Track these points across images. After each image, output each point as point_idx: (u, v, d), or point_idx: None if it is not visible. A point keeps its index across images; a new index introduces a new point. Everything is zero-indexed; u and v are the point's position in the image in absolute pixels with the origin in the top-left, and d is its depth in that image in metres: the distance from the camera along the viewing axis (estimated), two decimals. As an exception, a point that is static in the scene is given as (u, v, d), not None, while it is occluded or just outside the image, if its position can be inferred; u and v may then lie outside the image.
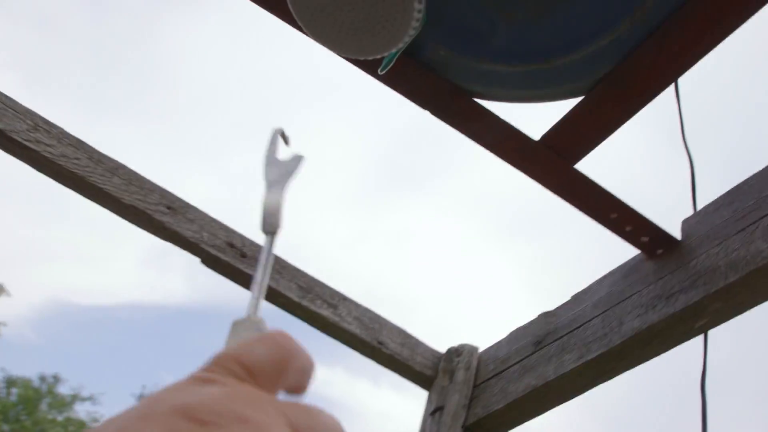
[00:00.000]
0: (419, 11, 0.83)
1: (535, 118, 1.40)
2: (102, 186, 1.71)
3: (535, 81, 1.28)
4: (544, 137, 1.35)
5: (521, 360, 1.70)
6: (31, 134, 1.70)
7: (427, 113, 1.36)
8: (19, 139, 1.68)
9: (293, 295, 1.79)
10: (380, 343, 1.85)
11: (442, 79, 1.31)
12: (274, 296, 1.81)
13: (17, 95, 1.72)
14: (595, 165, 1.46)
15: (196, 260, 1.79)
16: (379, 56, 0.92)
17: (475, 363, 1.86)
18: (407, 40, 0.86)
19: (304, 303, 1.80)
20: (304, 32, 0.93)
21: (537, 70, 1.26)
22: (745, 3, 1.12)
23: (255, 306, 0.44)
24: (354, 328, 1.83)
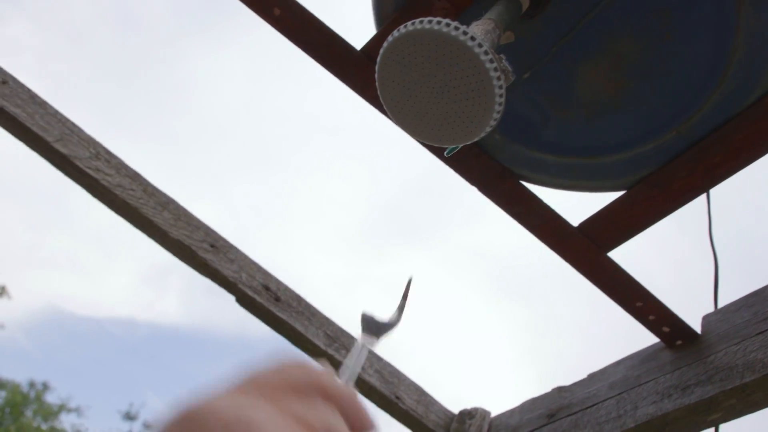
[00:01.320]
0: (498, 112, 0.92)
1: (575, 204, 1.49)
2: (153, 218, 1.79)
3: (580, 173, 1.38)
4: (582, 225, 1.44)
5: (533, 430, 1.77)
6: (93, 162, 1.79)
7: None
8: (81, 166, 1.77)
9: (320, 343, 1.87)
10: (398, 397, 1.92)
11: (493, 160, 1.40)
12: (301, 341, 1.88)
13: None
14: (624, 253, 1.55)
15: (195, 282, 1.86)
16: (452, 146, 1.01)
17: (486, 427, 1.92)
18: (483, 135, 0.95)
19: (330, 351, 1.87)
20: (387, 116, 1.03)
21: (583, 164, 1.36)
22: (784, 127, 1.21)
23: None
24: (374, 380, 1.90)
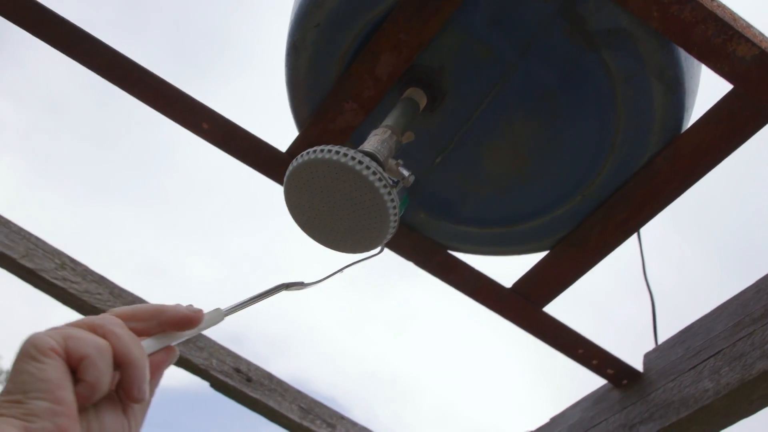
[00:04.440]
0: (394, 223, 1.02)
1: (506, 265, 1.59)
2: (121, 319, 1.88)
3: (502, 240, 1.47)
4: (515, 285, 1.53)
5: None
6: (59, 272, 1.88)
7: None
8: (48, 278, 1.86)
9: (295, 417, 1.94)
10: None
11: (422, 236, 1.50)
12: (276, 417, 1.96)
13: (22, 177, 1.90)
14: (563, 303, 1.64)
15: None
16: (359, 254, 1.11)
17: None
18: (385, 242, 1.05)
19: (305, 423, 1.95)
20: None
21: (503, 232, 1.46)
22: (678, 182, 1.31)
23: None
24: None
